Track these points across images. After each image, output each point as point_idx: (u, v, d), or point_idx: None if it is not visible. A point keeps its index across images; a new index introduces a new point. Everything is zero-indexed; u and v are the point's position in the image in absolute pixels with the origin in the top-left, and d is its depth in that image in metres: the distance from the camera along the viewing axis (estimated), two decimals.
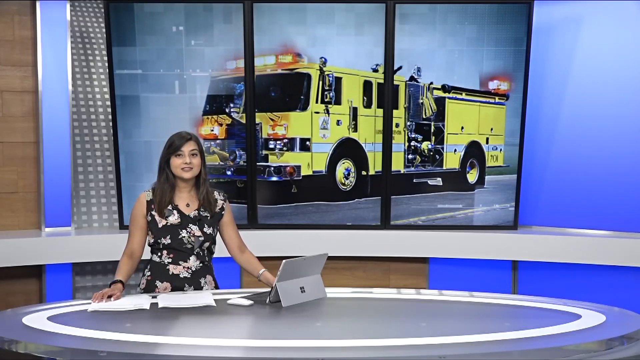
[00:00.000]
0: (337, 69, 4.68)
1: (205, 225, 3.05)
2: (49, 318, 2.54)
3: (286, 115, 4.70)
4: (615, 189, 4.58)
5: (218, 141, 4.73)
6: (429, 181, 4.83)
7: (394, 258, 4.86)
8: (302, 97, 4.68)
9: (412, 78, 4.71)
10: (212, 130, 4.72)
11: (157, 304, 2.72)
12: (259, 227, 4.76)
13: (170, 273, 3.03)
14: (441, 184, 4.84)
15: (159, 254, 3.05)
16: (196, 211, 3.05)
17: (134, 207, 3.08)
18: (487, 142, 4.82)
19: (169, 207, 3.03)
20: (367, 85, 4.72)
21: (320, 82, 4.67)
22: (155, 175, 3.10)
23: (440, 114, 4.77)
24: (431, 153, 4.80)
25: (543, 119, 4.80)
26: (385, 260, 4.89)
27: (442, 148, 4.80)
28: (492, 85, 4.72)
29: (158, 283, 3.04)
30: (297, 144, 4.71)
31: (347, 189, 4.80)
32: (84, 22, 4.82)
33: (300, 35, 4.64)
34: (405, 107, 4.75)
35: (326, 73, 4.67)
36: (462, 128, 4.81)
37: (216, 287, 3.14)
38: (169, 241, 3.02)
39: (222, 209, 3.12)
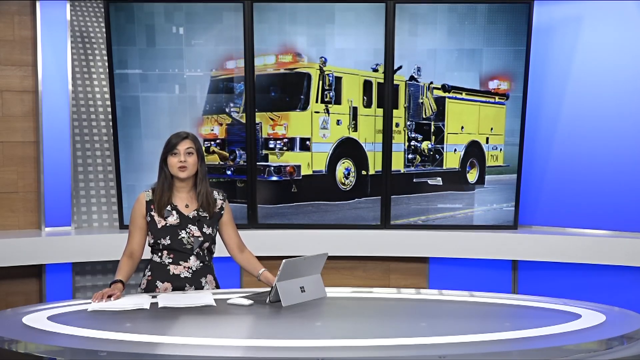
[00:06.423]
0: (337, 68, 4.68)
1: (205, 226, 3.05)
2: (49, 318, 2.54)
3: (286, 115, 4.70)
4: (615, 189, 4.58)
5: (218, 141, 4.73)
6: (429, 181, 4.83)
7: (394, 258, 4.86)
8: (302, 96, 4.68)
9: (412, 78, 4.71)
10: (212, 130, 4.72)
11: (157, 303, 2.72)
12: (259, 227, 4.76)
13: (171, 273, 3.03)
14: (441, 183, 4.84)
15: (159, 254, 3.05)
16: (195, 212, 3.06)
17: (133, 208, 3.08)
18: (487, 142, 4.82)
19: (168, 208, 3.04)
20: (367, 85, 4.72)
21: (320, 82, 4.67)
22: (155, 175, 3.10)
23: (440, 114, 4.77)
24: (431, 153, 4.80)
25: (543, 119, 4.80)
26: (385, 260, 4.89)
27: (442, 148, 4.80)
28: (492, 85, 4.72)
29: (159, 283, 3.04)
30: (297, 143, 4.71)
31: (347, 189, 4.80)
32: (84, 22, 4.82)
33: (300, 35, 4.64)
34: (405, 107, 4.75)
35: (326, 73, 4.67)
36: (462, 128, 4.81)
37: (217, 287, 3.14)
38: (169, 242, 3.02)
39: (222, 208, 3.12)
